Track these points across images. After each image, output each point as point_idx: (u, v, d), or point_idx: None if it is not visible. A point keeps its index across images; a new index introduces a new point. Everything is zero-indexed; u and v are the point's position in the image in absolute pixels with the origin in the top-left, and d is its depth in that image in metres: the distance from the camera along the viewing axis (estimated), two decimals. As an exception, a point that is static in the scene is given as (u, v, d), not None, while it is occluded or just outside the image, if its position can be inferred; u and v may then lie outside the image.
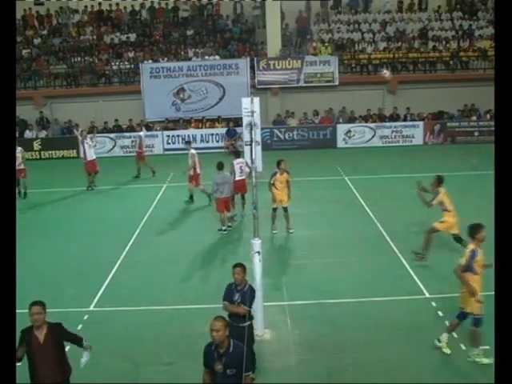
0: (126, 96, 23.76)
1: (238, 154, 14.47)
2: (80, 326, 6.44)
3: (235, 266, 6.76)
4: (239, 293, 6.64)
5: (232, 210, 13.47)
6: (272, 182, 12.34)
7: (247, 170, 13.36)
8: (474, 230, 7.06)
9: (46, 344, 5.52)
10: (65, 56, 25.04)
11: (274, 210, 12.49)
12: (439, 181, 10.66)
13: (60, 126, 23.98)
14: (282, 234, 12.49)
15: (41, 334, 5.51)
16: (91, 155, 17.21)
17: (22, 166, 16.14)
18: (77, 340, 5.91)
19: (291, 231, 12.52)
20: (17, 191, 15.88)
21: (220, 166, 12.90)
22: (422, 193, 10.75)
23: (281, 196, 12.37)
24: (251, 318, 6.71)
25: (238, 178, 13.57)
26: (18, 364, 5.44)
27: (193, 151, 15.41)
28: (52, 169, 19.71)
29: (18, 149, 15.95)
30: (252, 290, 6.74)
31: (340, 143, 22.85)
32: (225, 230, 12.71)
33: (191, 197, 15.33)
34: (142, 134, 19.33)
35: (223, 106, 23.85)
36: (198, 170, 15.17)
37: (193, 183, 15.18)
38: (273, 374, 7.07)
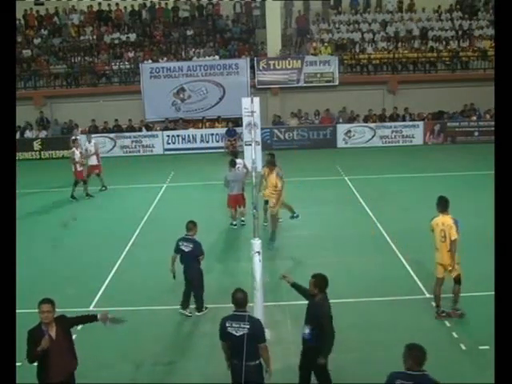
0: (126, 96, 23.72)
1: (236, 154, 14.63)
2: (80, 326, 6.48)
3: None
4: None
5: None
6: (262, 173, 12.48)
7: (244, 170, 13.58)
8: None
9: (58, 339, 5.64)
10: (65, 56, 25.01)
11: (266, 202, 12.53)
12: None
13: (60, 126, 23.96)
14: (281, 234, 12.49)
15: (52, 331, 5.62)
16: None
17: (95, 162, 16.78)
18: (87, 319, 6.10)
19: (265, 224, 12.77)
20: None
21: (233, 164, 13.13)
22: None
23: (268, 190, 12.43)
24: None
25: None
26: (19, 364, 5.45)
27: (93, 141, 17.16)
28: (52, 169, 19.68)
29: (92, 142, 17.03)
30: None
31: (340, 143, 22.83)
32: (235, 225, 12.98)
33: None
34: None
35: (223, 105, 23.81)
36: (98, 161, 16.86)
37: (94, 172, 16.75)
38: (273, 374, 7.06)
